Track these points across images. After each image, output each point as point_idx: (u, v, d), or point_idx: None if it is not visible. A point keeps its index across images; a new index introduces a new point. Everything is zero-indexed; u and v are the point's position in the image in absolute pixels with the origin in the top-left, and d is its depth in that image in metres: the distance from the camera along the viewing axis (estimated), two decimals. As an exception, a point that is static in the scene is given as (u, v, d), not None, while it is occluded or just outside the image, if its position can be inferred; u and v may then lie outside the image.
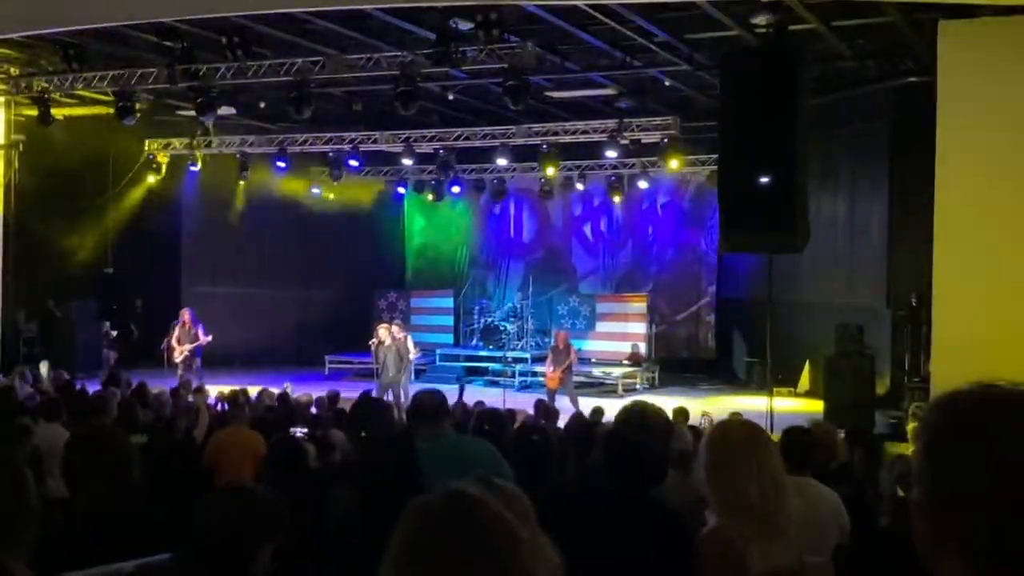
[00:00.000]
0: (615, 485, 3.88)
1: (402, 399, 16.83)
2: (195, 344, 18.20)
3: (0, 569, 2.74)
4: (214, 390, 14.28)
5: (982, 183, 11.60)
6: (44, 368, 15.21)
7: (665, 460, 4.08)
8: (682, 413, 11.36)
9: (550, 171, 20.71)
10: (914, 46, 14.41)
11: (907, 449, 8.75)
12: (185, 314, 18.57)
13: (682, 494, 4.56)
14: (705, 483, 3.42)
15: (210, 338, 18.38)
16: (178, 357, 18.16)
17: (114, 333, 21.33)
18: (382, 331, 17.78)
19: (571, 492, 4.91)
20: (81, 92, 16.78)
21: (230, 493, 3.17)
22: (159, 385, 13.91)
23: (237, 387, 13.72)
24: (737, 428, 3.66)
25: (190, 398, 12.10)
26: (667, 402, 11.93)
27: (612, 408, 12.75)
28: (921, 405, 11.64)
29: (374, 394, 15.29)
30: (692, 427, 9.93)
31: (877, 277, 17.84)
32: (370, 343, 18.07)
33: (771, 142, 9.85)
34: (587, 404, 14.56)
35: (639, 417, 4.05)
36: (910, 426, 9.60)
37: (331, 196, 24.24)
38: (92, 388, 13.17)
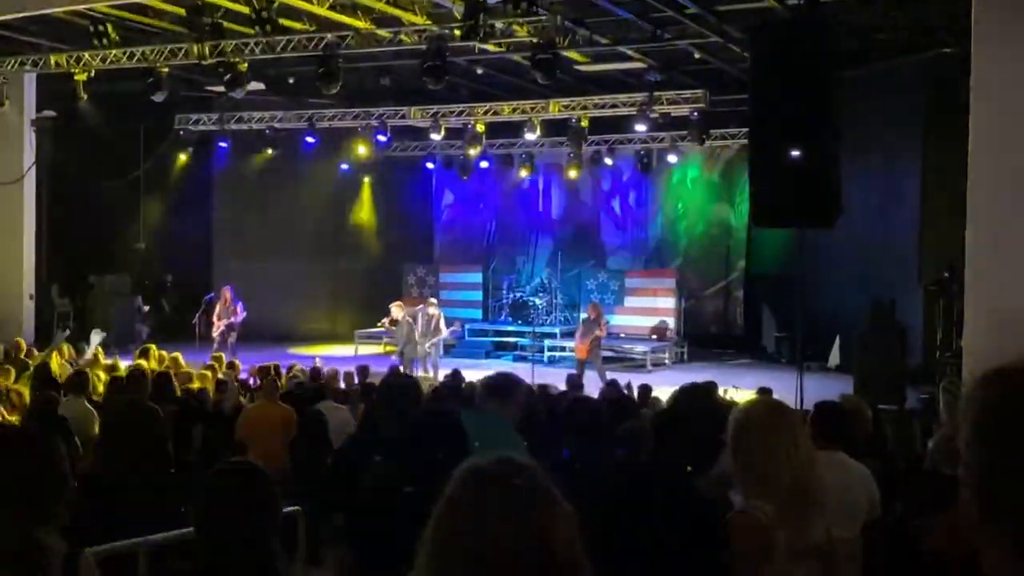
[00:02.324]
0: (662, 470, 3.80)
1: (429, 371, 16.97)
2: (231, 320, 18.49)
3: (34, 542, 2.76)
4: (246, 364, 14.41)
5: (1017, 155, 11.41)
6: (96, 337, 15.21)
7: (716, 446, 3.98)
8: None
9: (579, 145, 20.64)
10: (947, 16, 14.21)
11: (939, 424, 8.69)
12: (227, 291, 19.02)
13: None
14: (732, 464, 3.39)
15: (245, 315, 18.78)
16: (216, 332, 18.60)
17: (146, 308, 21.52)
18: (394, 309, 18.20)
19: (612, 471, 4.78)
20: (111, 67, 16.81)
21: (232, 472, 3.06)
22: (191, 360, 14.03)
23: (268, 362, 13.82)
24: (761, 408, 3.60)
25: (220, 375, 12.19)
26: (695, 377, 11.88)
27: (637, 383, 12.75)
28: (954, 380, 11.52)
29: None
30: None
31: (909, 251, 17.67)
32: (386, 322, 18.45)
33: (803, 115, 9.70)
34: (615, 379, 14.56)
35: (693, 399, 3.98)
36: (942, 401, 9.50)
37: (360, 171, 24.33)
38: (125, 362, 13.32)
